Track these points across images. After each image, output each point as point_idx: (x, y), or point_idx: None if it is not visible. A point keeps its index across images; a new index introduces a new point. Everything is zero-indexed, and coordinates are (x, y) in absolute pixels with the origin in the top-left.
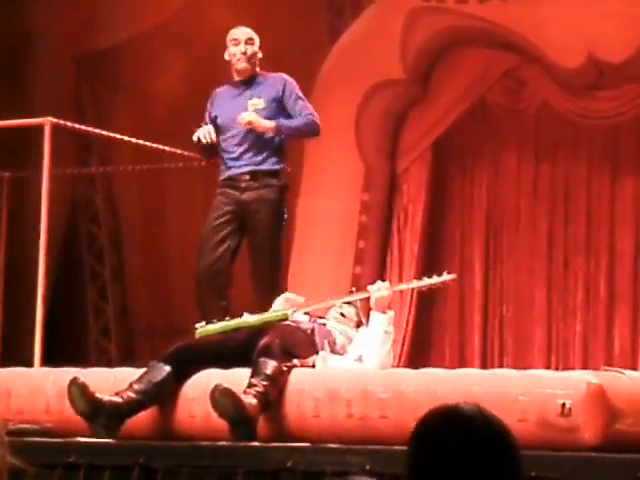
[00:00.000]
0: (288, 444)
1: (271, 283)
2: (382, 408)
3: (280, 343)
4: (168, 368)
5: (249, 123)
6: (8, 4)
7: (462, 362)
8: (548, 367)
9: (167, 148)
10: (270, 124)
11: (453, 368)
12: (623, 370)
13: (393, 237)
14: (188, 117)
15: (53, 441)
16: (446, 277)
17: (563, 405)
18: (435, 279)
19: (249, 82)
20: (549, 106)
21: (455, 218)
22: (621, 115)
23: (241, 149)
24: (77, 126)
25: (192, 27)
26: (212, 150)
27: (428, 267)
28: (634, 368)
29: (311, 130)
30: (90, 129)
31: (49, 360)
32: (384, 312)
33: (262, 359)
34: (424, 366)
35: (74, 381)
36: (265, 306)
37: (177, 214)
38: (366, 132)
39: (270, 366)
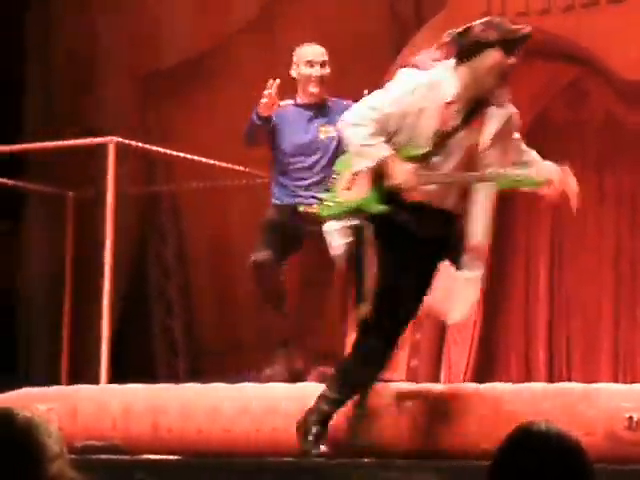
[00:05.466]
0: (352, 460)
1: None
2: (447, 423)
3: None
4: None
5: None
6: (74, 22)
7: (528, 376)
8: (616, 380)
9: (230, 166)
10: None
11: (519, 382)
12: None
13: None
14: None
15: (121, 458)
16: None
17: (630, 418)
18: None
19: (317, 106)
20: (612, 117)
21: (520, 228)
22: None
23: (312, 179)
24: (141, 145)
25: (259, 44)
26: (264, 128)
27: (494, 278)
28: None
29: None
30: (154, 148)
31: (117, 377)
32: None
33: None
34: (491, 381)
35: None
36: None
37: (241, 231)
38: None
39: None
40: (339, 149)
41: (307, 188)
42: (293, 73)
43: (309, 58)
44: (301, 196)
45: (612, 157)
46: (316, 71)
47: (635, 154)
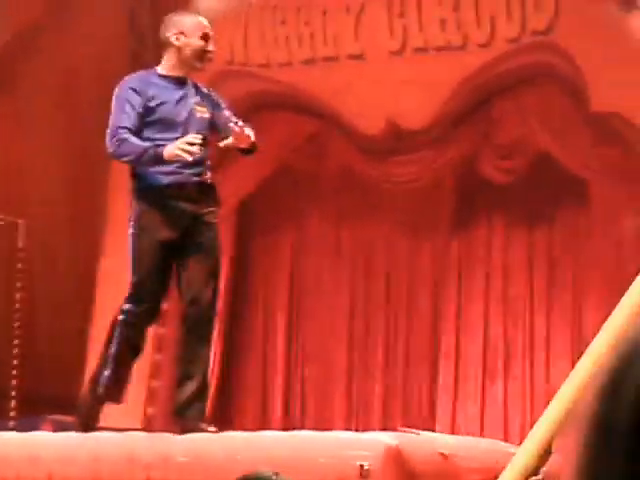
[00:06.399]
0: None
1: None
2: (182, 472)
3: None
4: None
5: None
6: None
7: (264, 424)
8: (349, 428)
9: None
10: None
11: (255, 430)
12: (419, 431)
13: None
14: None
15: None
16: None
17: (362, 467)
18: None
19: (184, 81)
20: (350, 170)
21: (259, 278)
22: (419, 180)
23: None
24: None
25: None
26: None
27: (232, 327)
28: (431, 429)
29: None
30: None
31: None
32: None
33: None
34: (226, 429)
35: None
36: None
37: None
38: None
39: None
40: (212, 129)
41: (187, 166)
42: (175, 41)
43: (206, 31)
44: (182, 174)
45: (350, 208)
46: (211, 46)
47: (372, 208)
